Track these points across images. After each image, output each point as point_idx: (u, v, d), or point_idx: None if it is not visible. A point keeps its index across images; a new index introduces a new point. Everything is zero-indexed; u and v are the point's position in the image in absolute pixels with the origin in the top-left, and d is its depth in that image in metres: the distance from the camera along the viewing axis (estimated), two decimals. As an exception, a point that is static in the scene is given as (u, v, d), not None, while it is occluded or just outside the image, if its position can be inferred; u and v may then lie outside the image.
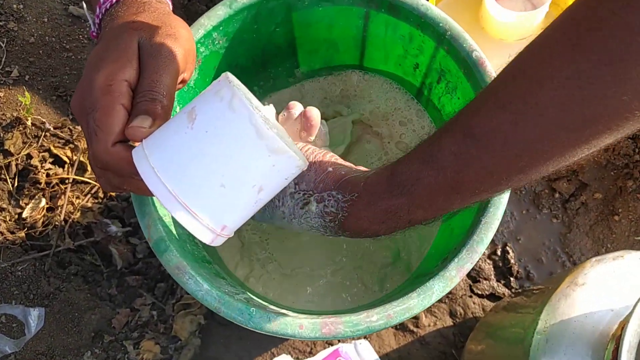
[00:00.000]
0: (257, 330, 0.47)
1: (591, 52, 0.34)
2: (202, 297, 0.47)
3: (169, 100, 0.43)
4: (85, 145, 0.83)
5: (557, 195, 0.85)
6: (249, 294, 0.57)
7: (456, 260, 0.49)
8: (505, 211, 0.85)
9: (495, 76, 0.43)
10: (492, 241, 0.85)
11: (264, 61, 0.65)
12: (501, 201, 0.51)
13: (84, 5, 0.52)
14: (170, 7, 0.52)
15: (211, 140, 0.38)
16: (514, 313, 0.69)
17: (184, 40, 0.47)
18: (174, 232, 0.53)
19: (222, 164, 0.38)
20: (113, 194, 0.82)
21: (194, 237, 0.55)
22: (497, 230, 0.84)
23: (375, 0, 0.56)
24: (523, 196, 0.86)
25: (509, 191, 0.51)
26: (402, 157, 0.45)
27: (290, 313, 0.52)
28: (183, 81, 0.48)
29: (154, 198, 0.50)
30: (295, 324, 0.47)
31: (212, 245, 0.40)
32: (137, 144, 0.41)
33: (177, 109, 0.56)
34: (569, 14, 0.36)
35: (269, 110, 0.52)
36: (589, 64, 0.34)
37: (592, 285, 0.58)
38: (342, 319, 0.47)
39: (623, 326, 0.50)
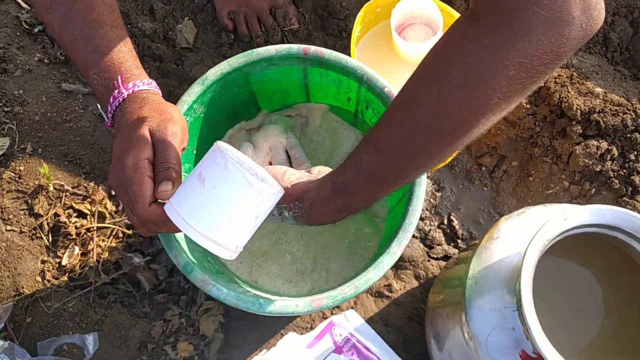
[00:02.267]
0: (266, 314, 0.67)
1: (446, 81, 0.54)
2: (224, 299, 0.67)
3: (178, 165, 0.62)
4: (100, 198, 1.02)
5: (483, 168, 1.06)
6: (256, 291, 0.76)
7: (396, 240, 0.69)
8: (445, 188, 1.06)
9: (392, 103, 0.62)
10: (439, 213, 1.05)
11: (234, 112, 0.85)
12: (420, 192, 0.71)
13: (98, 107, 0.70)
14: (160, 94, 0.71)
15: (218, 193, 0.57)
16: (458, 265, 0.89)
17: (179, 121, 0.66)
18: (194, 257, 0.72)
19: (228, 207, 0.57)
20: (129, 232, 1.01)
21: (209, 258, 0.75)
22: (442, 204, 1.05)
23: (309, 60, 0.76)
24: (457, 174, 1.07)
25: (425, 185, 0.71)
26: (338, 168, 0.65)
27: (287, 298, 0.72)
28: (183, 148, 0.67)
29: (177, 235, 0.70)
30: (292, 304, 0.67)
31: (230, 259, 0.60)
32: (165, 201, 0.60)
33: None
34: (430, 59, 0.56)
35: (249, 151, 0.72)
36: (448, 88, 0.54)
37: (503, 237, 0.78)
38: (325, 295, 0.68)
39: (524, 261, 0.71)
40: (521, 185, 1.04)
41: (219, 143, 0.58)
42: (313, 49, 0.75)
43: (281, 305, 0.67)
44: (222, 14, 1.11)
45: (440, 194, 1.06)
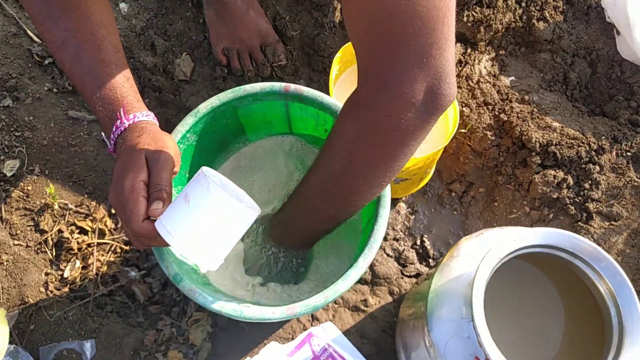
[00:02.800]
0: (246, 320, 0.76)
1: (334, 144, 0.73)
2: (209, 306, 0.76)
3: (169, 187, 0.72)
4: (101, 216, 1.11)
5: (453, 194, 1.15)
6: (238, 301, 0.85)
7: (362, 255, 0.78)
8: (419, 211, 1.15)
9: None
10: (413, 235, 1.14)
11: (224, 141, 0.94)
12: (384, 214, 0.80)
13: (102, 134, 0.80)
14: (157, 125, 0.80)
15: (201, 211, 0.66)
16: (425, 281, 0.98)
17: (172, 149, 0.76)
18: (183, 267, 0.81)
19: (209, 223, 0.66)
20: (127, 248, 1.10)
21: (197, 270, 0.84)
22: (415, 226, 1.14)
23: (290, 96, 0.86)
24: (430, 198, 1.16)
25: (388, 208, 0.80)
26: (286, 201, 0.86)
27: (265, 307, 0.80)
28: (175, 172, 0.76)
29: (168, 248, 0.78)
30: (269, 311, 0.75)
31: (211, 270, 0.69)
32: (156, 218, 0.69)
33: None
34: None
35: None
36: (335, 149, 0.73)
37: (462, 255, 0.87)
38: (299, 304, 0.76)
39: (479, 278, 0.79)
40: (487, 210, 1.13)
41: (204, 168, 0.68)
42: (293, 86, 0.85)
43: (260, 312, 0.75)
44: (217, 50, 1.22)
45: (414, 216, 1.15)
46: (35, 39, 1.25)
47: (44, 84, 1.22)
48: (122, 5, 1.27)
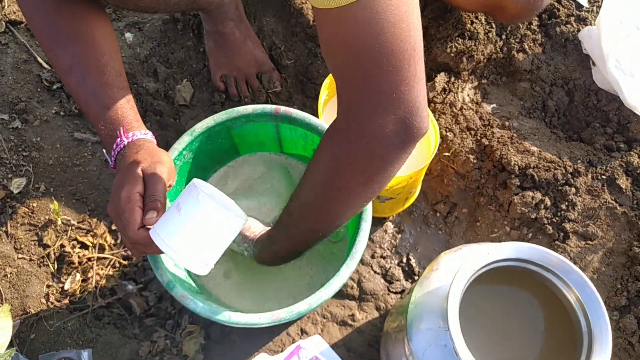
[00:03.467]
0: (234, 325, 0.80)
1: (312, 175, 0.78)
2: (200, 311, 0.80)
3: (163, 198, 0.78)
4: (102, 232, 1.16)
5: (438, 214, 1.21)
6: (227, 307, 0.90)
7: (344, 265, 0.83)
8: (405, 231, 1.20)
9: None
10: (399, 253, 1.19)
11: (218, 159, 1.00)
12: (366, 227, 0.85)
13: (104, 152, 0.86)
14: (155, 142, 0.87)
15: (191, 220, 0.71)
16: (408, 295, 1.02)
17: (167, 163, 0.82)
18: (176, 276, 0.86)
19: (199, 231, 0.72)
20: (125, 262, 1.15)
21: (190, 279, 0.89)
22: (401, 245, 1.19)
23: (280, 118, 0.92)
24: (416, 218, 1.22)
25: (369, 221, 0.86)
26: (272, 228, 0.91)
27: (252, 314, 0.85)
28: (169, 185, 0.82)
29: (162, 256, 0.84)
30: (256, 317, 0.80)
31: (202, 274, 0.74)
32: (151, 227, 0.75)
33: (167, 201, 0.90)
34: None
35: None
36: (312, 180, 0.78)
37: (441, 268, 0.92)
38: (284, 310, 0.81)
39: (454, 290, 0.84)
40: (470, 230, 1.18)
41: (195, 180, 0.74)
42: (283, 108, 0.91)
43: (247, 318, 0.80)
44: (216, 77, 1.29)
45: (400, 235, 1.20)
46: (45, 65, 1.33)
47: (51, 107, 1.29)
48: (128, 34, 1.36)
